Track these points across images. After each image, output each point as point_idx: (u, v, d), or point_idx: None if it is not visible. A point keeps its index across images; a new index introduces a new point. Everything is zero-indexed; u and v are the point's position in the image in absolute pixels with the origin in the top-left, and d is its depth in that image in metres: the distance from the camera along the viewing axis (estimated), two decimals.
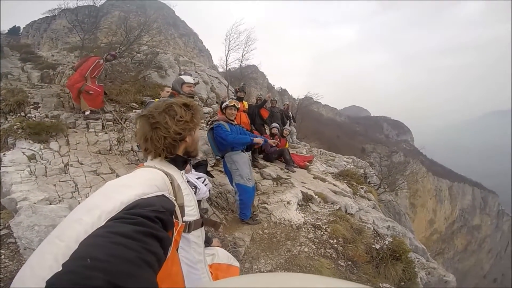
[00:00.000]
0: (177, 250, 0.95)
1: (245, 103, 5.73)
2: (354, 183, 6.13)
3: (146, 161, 1.08)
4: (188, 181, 2.78)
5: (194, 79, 3.32)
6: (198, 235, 1.07)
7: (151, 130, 1.00)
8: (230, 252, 1.61)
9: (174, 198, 0.90)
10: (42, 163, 3.49)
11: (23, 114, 4.72)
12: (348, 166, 7.81)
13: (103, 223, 0.60)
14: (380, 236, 3.87)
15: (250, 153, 5.41)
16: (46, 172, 3.31)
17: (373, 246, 3.53)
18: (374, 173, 8.26)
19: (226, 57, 12.25)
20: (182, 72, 3.28)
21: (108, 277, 0.42)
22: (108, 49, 6.86)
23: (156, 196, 0.77)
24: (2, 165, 3.12)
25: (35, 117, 4.65)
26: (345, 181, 6.05)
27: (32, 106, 5.04)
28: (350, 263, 3.21)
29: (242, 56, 12.64)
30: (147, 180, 0.83)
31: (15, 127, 4.04)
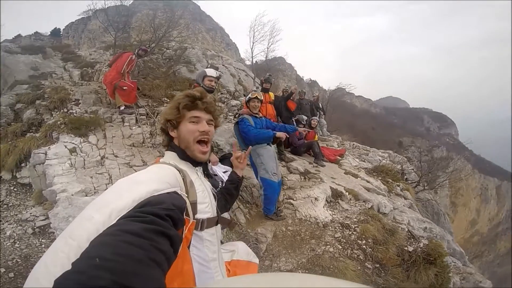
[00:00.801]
0: (188, 248, 0.93)
1: (271, 94, 5.57)
2: (389, 180, 5.70)
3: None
4: (215, 175, 2.74)
5: (217, 73, 3.28)
6: (212, 233, 1.04)
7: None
8: (251, 248, 1.57)
9: (186, 195, 0.89)
10: (82, 156, 3.74)
11: (65, 110, 5.11)
12: (384, 161, 7.29)
13: (114, 221, 0.60)
14: (415, 238, 3.59)
15: (275, 146, 5.30)
16: (84, 165, 3.55)
17: (406, 248, 3.29)
18: (413, 169, 7.61)
19: (251, 48, 12.11)
20: (208, 66, 3.27)
21: (114, 277, 0.42)
22: (139, 46, 7.13)
23: (167, 193, 0.77)
24: (46, 158, 3.40)
25: (76, 113, 5.01)
26: (380, 178, 5.66)
27: (73, 102, 5.44)
28: (378, 265, 3.02)
29: (267, 48, 12.39)
30: (159, 176, 0.83)
31: (58, 122, 4.38)
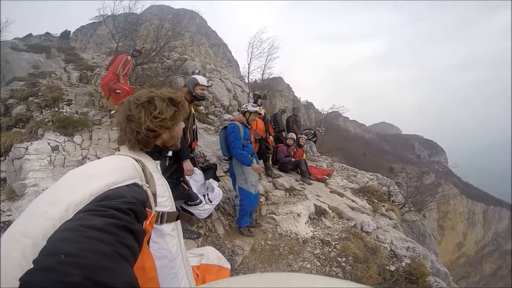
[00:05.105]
0: (148, 242, 0.88)
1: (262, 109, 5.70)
2: (375, 200, 5.70)
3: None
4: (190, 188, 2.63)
5: (208, 81, 3.10)
6: (172, 228, 0.98)
7: (125, 121, 0.94)
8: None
9: (148, 185, 0.85)
10: (63, 154, 3.69)
11: (56, 109, 5.11)
12: (371, 182, 7.31)
13: (71, 216, 0.57)
14: (397, 257, 3.53)
15: (262, 161, 5.31)
16: (64, 163, 3.49)
17: (388, 267, 3.23)
18: (399, 191, 7.65)
19: (249, 64, 12.36)
20: (197, 71, 3.13)
21: (86, 273, 0.41)
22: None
23: (127, 185, 0.73)
24: (26, 153, 3.34)
25: (66, 112, 5.00)
26: (365, 198, 5.65)
27: (65, 102, 5.45)
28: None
29: (265, 65, 12.66)
30: (117, 168, 0.78)
31: (46, 120, 4.36)
